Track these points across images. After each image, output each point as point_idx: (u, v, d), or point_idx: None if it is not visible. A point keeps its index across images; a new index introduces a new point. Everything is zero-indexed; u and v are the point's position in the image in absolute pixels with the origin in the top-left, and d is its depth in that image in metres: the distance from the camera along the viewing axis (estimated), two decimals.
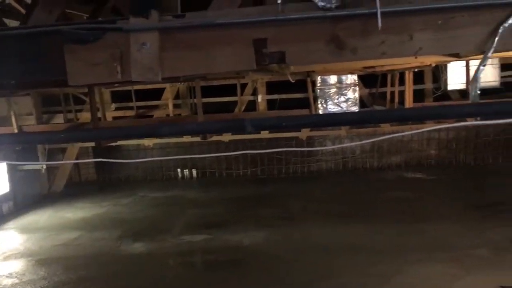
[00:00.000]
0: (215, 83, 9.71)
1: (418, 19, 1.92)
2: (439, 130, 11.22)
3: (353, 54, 2.00)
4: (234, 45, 2.04)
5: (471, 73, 8.92)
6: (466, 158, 11.55)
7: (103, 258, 7.04)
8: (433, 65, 7.10)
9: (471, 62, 8.56)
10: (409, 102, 7.80)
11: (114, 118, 10.21)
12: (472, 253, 6.41)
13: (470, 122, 4.57)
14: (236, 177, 11.98)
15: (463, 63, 8.72)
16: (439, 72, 10.02)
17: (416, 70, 7.83)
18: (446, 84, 9.57)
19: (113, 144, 9.58)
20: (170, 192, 10.88)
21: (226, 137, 10.12)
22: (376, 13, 1.86)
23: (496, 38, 1.82)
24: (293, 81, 6.84)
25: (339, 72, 8.35)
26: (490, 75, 9.39)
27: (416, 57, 2.64)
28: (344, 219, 8.22)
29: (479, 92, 1.86)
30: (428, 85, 10.28)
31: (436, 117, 2.29)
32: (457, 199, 9.06)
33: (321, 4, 1.89)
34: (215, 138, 9.84)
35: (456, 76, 9.32)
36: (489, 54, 1.81)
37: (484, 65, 1.82)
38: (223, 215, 8.89)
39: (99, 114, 8.57)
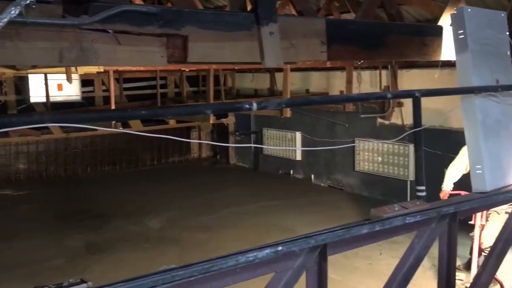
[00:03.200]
0: None
1: None
2: (28, 143, 10.93)
3: None
4: None
5: (50, 87, 9.08)
6: (57, 170, 11.68)
7: None
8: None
9: (50, 76, 8.72)
10: None
11: None
12: (49, 264, 6.48)
13: None
14: None
15: (43, 76, 8.77)
16: (23, 84, 9.75)
17: None
18: (29, 97, 9.38)
19: None
20: None
21: None
22: None
23: None
24: None
25: None
26: (72, 90, 9.80)
27: None
28: None
29: None
30: (11, 97, 9.87)
31: None
32: (45, 211, 9.02)
33: None
34: None
35: (38, 88, 9.26)
36: None
37: None
38: None
39: None
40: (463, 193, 5.51)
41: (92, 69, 6.53)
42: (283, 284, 2.43)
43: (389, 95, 2.98)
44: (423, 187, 3.03)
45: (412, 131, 2.95)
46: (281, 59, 2.65)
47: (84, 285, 1.77)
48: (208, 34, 2.45)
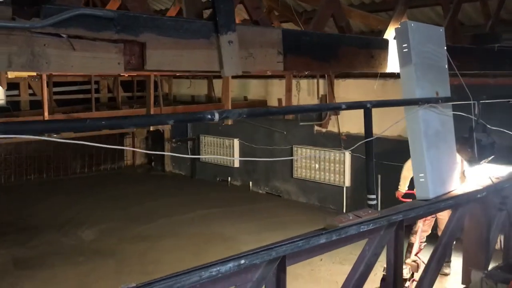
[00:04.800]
0: None
1: None
2: None
3: None
4: None
5: None
6: None
7: None
8: None
9: None
10: None
11: None
12: None
13: None
14: None
15: None
16: None
17: None
18: None
19: None
20: None
21: None
22: None
23: None
24: None
25: None
26: None
27: None
28: None
29: None
30: None
31: None
32: None
33: None
34: None
35: None
36: None
37: None
38: None
39: None
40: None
41: (23, 73, 6.10)
42: None
43: (343, 106, 3.03)
44: (373, 196, 3.10)
45: (364, 141, 3.02)
46: (240, 68, 2.61)
47: None
48: (166, 41, 2.36)
